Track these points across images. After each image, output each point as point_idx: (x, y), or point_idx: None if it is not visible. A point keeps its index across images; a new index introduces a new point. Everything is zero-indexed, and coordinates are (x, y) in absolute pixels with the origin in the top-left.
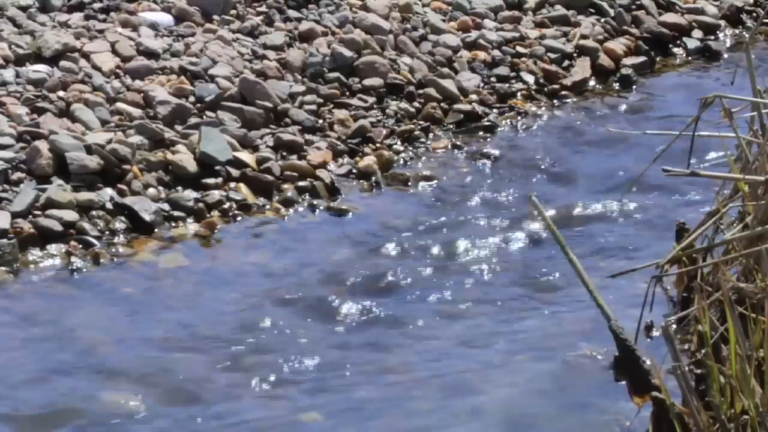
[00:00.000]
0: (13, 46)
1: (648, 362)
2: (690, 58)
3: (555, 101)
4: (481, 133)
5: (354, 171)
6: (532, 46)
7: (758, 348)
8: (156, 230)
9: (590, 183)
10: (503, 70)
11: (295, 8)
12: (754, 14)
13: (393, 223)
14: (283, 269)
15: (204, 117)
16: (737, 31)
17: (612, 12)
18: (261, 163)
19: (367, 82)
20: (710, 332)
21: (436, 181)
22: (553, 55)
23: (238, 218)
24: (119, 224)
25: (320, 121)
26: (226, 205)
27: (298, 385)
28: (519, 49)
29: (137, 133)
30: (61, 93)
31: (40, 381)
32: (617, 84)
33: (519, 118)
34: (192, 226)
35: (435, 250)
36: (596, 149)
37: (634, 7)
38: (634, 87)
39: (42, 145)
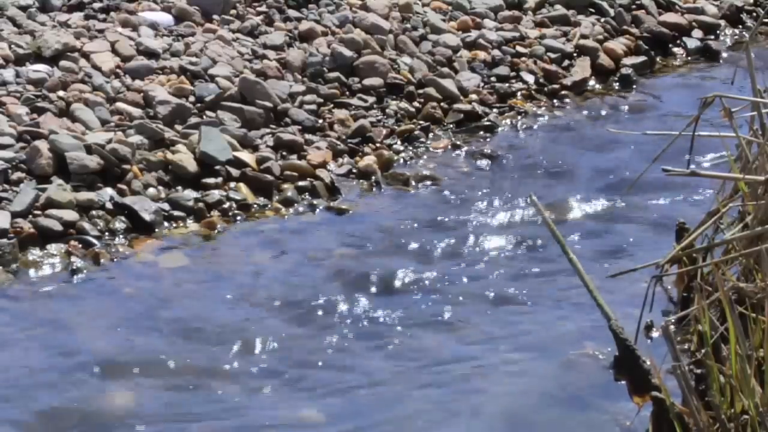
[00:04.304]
0: (13, 46)
1: (648, 362)
2: (690, 58)
3: (555, 101)
4: (481, 132)
5: (354, 171)
6: (532, 46)
7: (758, 348)
8: (156, 230)
9: (590, 183)
10: (503, 70)
11: (295, 8)
12: (754, 14)
13: (393, 222)
14: (283, 269)
15: (204, 117)
16: (737, 31)
17: (612, 12)
18: (261, 163)
19: (367, 81)
20: (710, 332)
21: (436, 181)
22: (553, 55)
23: (238, 218)
24: (119, 224)
25: (320, 121)
26: (226, 205)
27: (298, 384)
28: (519, 48)
29: (137, 133)
30: (61, 93)
31: (39, 381)
32: (617, 84)
33: (519, 117)
34: (192, 226)
35: (435, 249)
36: (596, 149)
37: (634, 6)
38: (634, 87)
39: (42, 145)
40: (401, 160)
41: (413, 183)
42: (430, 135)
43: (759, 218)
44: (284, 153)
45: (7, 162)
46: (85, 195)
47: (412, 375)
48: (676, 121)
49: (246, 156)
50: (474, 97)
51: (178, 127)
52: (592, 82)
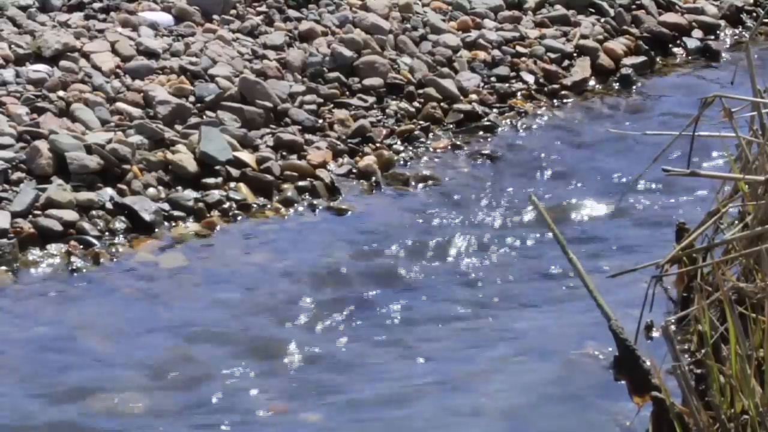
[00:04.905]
0: (13, 46)
1: (648, 362)
2: (690, 58)
3: (555, 101)
4: (481, 133)
5: (354, 171)
6: (532, 46)
7: (758, 348)
8: (156, 230)
9: (590, 183)
10: (503, 70)
11: (295, 8)
12: (754, 14)
13: (393, 223)
14: (283, 269)
15: (204, 117)
16: (737, 31)
17: (612, 12)
18: (261, 163)
19: (367, 81)
20: (710, 332)
21: (436, 181)
22: (553, 55)
23: (238, 218)
24: (119, 224)
25: (320, 121)
26: (226, 205)
27: (298, 384)
28: (519, 48)
29: (137, 133)
30: (61, 93)
31: (39, 381)
32: (617, 84)
33: (519, 118)
34: (192, 226)
35: (435, 249)
36: (596, 149)
37: (634, 6)
38: (634, 87)
39: (42, 145)
40: (401, 160)
41: (413, 183)
42: (430, 135)
43: (759, 218)
44: (284, 153)
45: (7, 162)
46: (85, 195)
47: (412, 375)
48: (676, 121)
49: (246, 156)
50: (474, 97)
51: (178, 127)
52: (592, 82)
